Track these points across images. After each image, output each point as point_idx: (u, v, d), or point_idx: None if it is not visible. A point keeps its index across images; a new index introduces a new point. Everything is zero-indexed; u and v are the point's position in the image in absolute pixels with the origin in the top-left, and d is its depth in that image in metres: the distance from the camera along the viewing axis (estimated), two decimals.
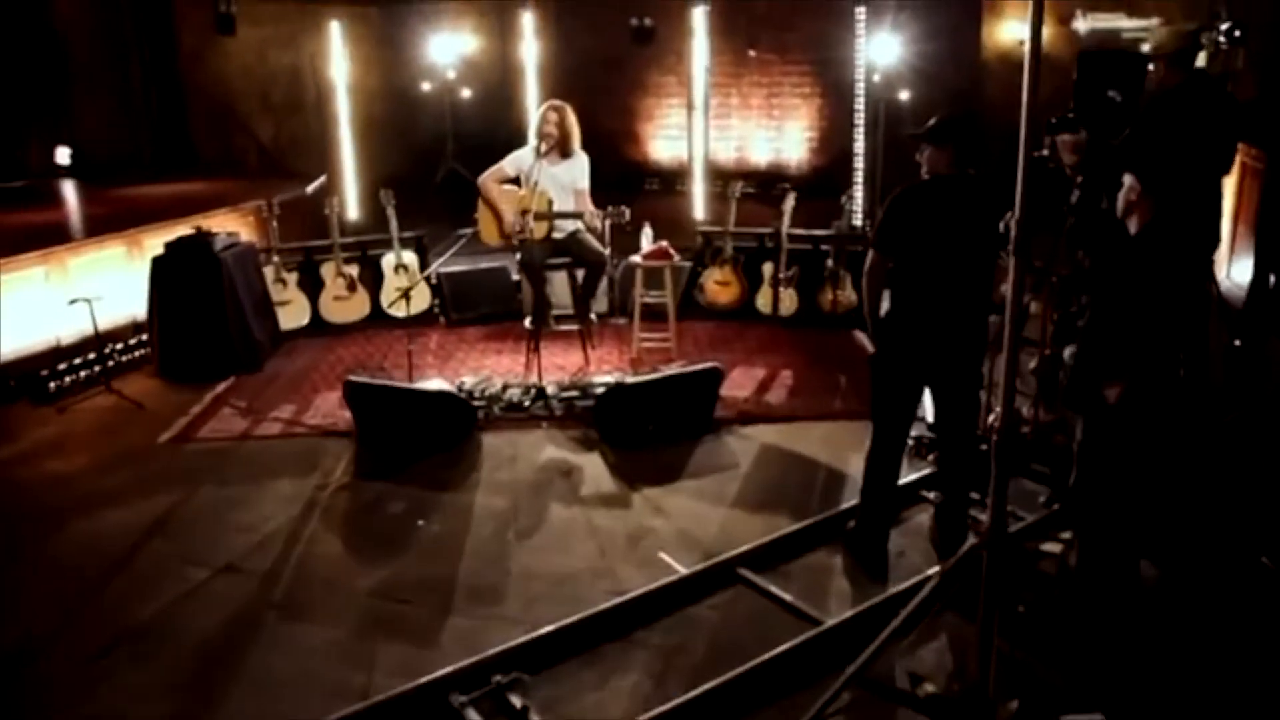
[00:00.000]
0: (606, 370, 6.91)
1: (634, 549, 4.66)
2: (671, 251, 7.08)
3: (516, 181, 6.75)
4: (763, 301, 8.01)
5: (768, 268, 7.99)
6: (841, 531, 4.67)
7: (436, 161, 14.42)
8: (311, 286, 7.96)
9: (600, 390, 6.26)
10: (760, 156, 14.27)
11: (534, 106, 10.35)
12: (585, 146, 6.82)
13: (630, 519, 4.94)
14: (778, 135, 14.16)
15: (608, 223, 6.45)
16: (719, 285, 8.11)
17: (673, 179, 14.29)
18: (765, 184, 13.99)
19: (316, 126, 12.47)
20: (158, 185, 10.84)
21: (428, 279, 8.06)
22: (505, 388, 6.41)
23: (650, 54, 14.24)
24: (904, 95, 11.73)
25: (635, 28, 14.03)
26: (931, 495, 4.96)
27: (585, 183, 6.81)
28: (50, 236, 7.68)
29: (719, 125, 14.44)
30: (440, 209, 13.49)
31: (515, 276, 8.05)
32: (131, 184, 10.84)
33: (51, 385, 6.75)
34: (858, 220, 9.23)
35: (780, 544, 4.58)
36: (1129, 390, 3.77)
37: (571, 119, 6.67)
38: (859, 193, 9.70)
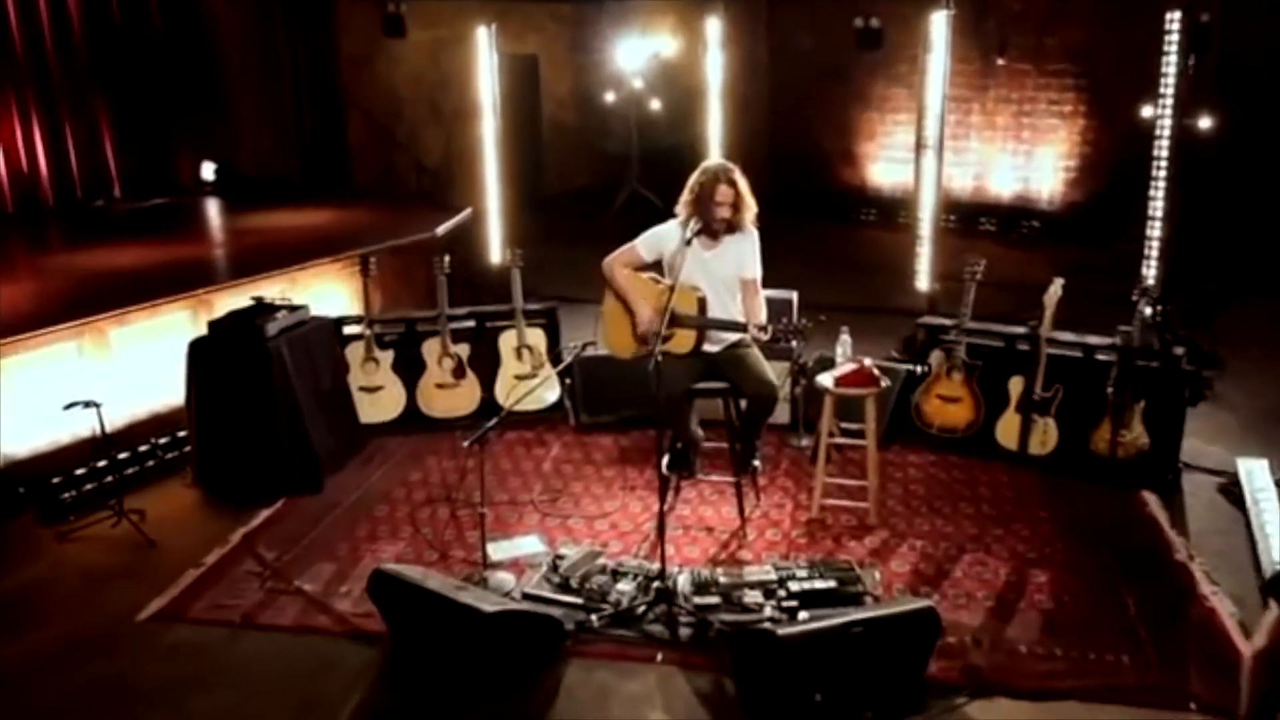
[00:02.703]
0: (770, 543, 4.70)
1: None
2: (876, 373, 4.77)
3: (659, 268, 4.67)
4: (1005, 432, 5.56)
5: (1016, 384, 5.53)
6: None
7: (620, 179, 12.50)
8: (410, 369, 6.12)
9: (752, 598, 4.09)
10: (1002, 187, 11.56)
11: (718, 120, 8.13)
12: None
13: None
14: (1026, 162, 11.40)
15: (792, 342, 4.24)
16: (944, 402, 5.72)
17: (893, 210, 11.80)
18: (1007, 222, 11.28)
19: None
20: (301, 210, 9.39)
21: (555, 364, 6.12)
22: (616, 575, 4.31)
23: (876, 61, 11.77)
24: (1204, 123, 8.84)
25: (860, 30, 11.59)
26: None
27: (756, 268, 4.62)
28: (116, 290, 6.18)
29: (954, 148, 11.78)
30: (615, 243, 11.56)
31: None
32: (274, 206, 9.44)
33: (66, 495, 5.20)
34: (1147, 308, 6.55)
35: None
36: None
37: (745, 186, 4.50)
38: (1151, 269, 6.99)
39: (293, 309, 5.49)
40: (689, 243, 4.28)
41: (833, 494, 5.01)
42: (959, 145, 11.70)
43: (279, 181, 10.25)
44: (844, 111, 12.32)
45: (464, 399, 6.12)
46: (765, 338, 4.26)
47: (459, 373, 6.10)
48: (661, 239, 4.57)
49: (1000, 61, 11.08)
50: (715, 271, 4.51)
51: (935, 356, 5.81)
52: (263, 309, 5.43)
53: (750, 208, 4.51)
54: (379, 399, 6.03)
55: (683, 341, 4.42)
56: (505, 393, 6.08)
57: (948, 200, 11.77)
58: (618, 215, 12.03)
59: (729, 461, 5.18)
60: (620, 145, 12.65)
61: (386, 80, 11.23)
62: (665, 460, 4.70)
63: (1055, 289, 5.44)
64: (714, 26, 7.55)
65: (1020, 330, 5.65)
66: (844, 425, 5.24)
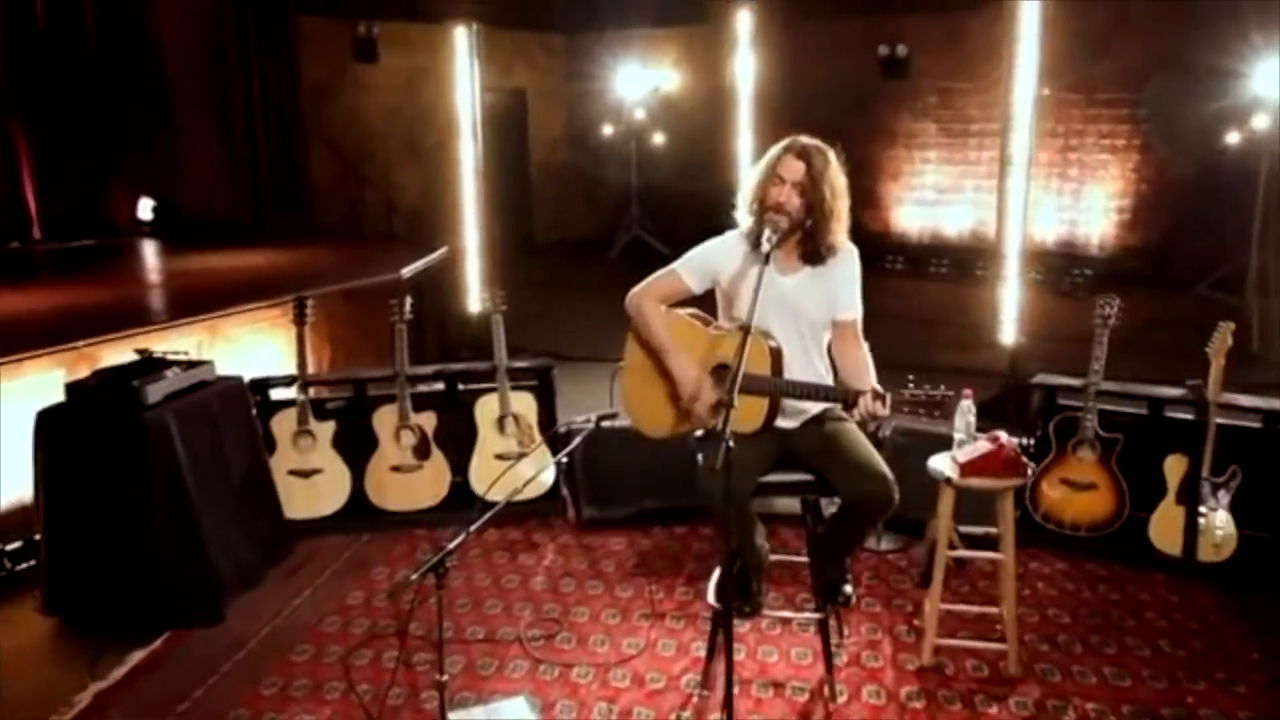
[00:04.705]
0: (871, 709, 3.11)
1: None
2: (1022, 457, 3.22)
3: (708, 305, 3.15)
4: (1163, 530, 4.01)
5: (1176, 465, 4.00)
6: None
7: (619, 222, 11.04)
8: (358, 445, 4.55)
9: None
10: (1044, 231, 10.15)
11: (748, 158, 6.63)
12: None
13: None
14: (1072, 203, 10.03)
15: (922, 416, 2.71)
16: (1072, 489, 4.17)
17: (923, 258, 10.39)
18: (1053, 269, 9.86)
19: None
20: (249, 251, 7.86)
21: (553, 446, 4.57)
22: None
23: (902, 92, 10.42)
24: None
25: (885, 58, 10.27)
26: None
27: (856, 304, 3.09)
28: None
29: (990, 188, 10.45)
30: (614, 292, 10.04)
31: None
32: (218, 248, 7.91)
33: None
34: None
35: None
36: None
37: (835, 179, 3.00)
38: None
39: (190, 365, 3.92)
40: (768, 259, 2.74)
41: (949, 627, 3.44)
42: (995, 185, 10.32)
43: (230, 221, 8.75)
44: (865, 148, 10.92)
45: (428, 486, 4.54)
46: (884, 413, 2.71)
47: (422, 451, 4.53)
48: (715, 258, 3.05)
49: (1044, 92, 9.70)
50: (796, 307, 2.97)
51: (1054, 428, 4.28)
52: (147, 365, 3.87)
53: (843, 211, 3.00)
54: (314, 487, 4.45)
55: (748, 414, 2.88)
56: (483, 477, 4.52)
57: (978, 244, 10.43)
58: (617, 261, 10.59)
59: (794, 576, 3.68)
60: (619, 184, 11.22)
61: (356, 111, 9.79)
62: (712, 591, 3.17)
63: (1225, 336, 3.95)
64: (745, 21, 6.12)
65: (1176, 392, 4.15)
66: (965, 532, 3.69)
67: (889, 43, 10.20)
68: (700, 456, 3.06)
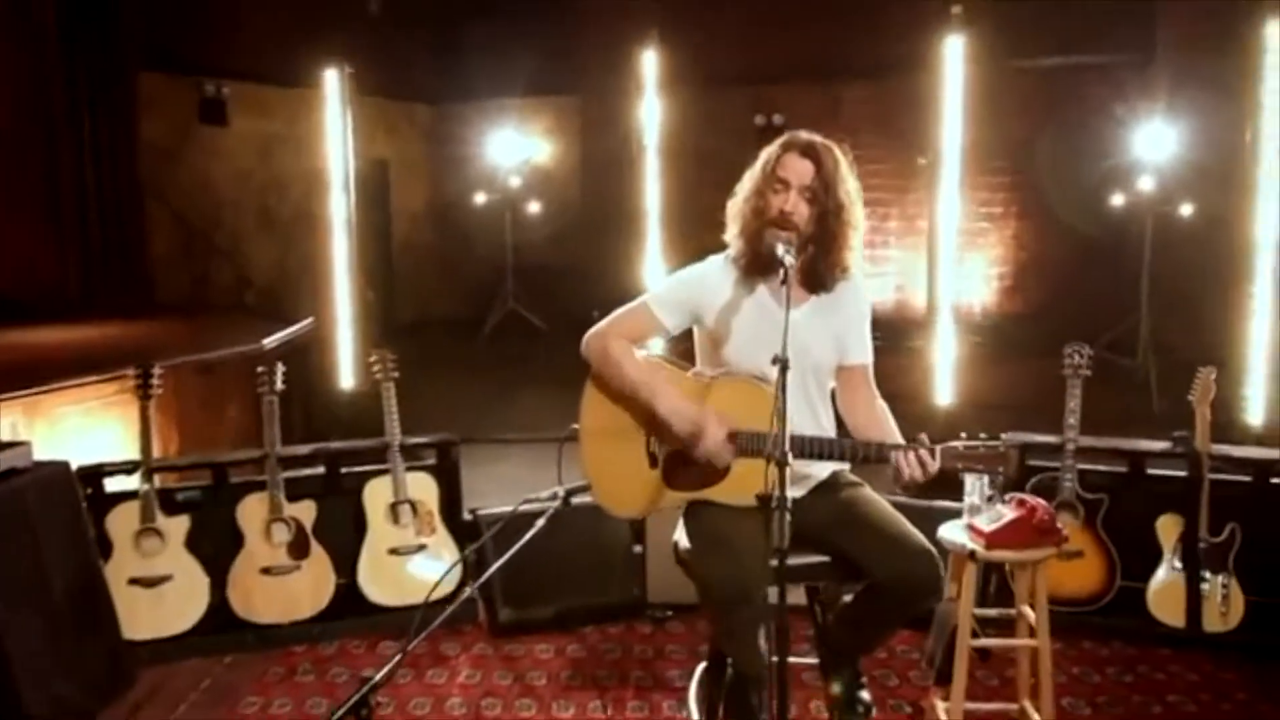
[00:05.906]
0: None
1: None
2: (1057, 525, 2.70)
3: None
4: (1163, 599, 3.57)
5: (1170, 525, 3.60)
6: None
7: (492, 298, 10.32)
8: (218, 544, 3.68)
9: None
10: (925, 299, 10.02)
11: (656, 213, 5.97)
12: None
13: None
14: (954, 271, 9.93)
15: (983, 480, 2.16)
16: (1057, 559, 3.69)
17: None
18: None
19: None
20: (79, 325, 6.76)
21: (461, 545, 3.84)
22: None
23: None
24: (1187, 209, 7.53)
25: (761, 127, 10.08)
26: None
27: (867, 348, 2.56)
28: None
29: (871, 256, 10.31)
30: (491, 372, 9.40)
31: (637, 547, 3.79)
32: (39, 323, 6.79)
33: None
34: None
35: None
36: None
37: (850, 181, 2.47)
38: None
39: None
40: (784, 281, 2.16)
41: None
42: (877, 253, 10.20)
43: (53, 295, 7.62)
44: None
45: (307, 591, 3.69)
46: (933, 471, 2.14)
47: (299, 548, 3.70)
48: (698, 288, 2.45)
49: (922, 161, 9.68)
50: (803, 347, 2.38)
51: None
52: None
53: (857, 225, 2.47)
54: (163, 598, 3.55)
55: (752, 480, 2.24)
56: (375, 577, 3.73)
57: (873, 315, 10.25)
58: (490, 340, 9.84)
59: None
60: (492, 257, 10.55)
61: (203, 176, 8.88)
62: (703, 705, 2.50)
63: (1207, 381, 3.60)
64: (650, 62, 5.66)
65: (1161, 446, 3.76)
66: (989, 616, 3.13)
67: (765, 112, 10.06)
68: (683, 534, 2.40)
